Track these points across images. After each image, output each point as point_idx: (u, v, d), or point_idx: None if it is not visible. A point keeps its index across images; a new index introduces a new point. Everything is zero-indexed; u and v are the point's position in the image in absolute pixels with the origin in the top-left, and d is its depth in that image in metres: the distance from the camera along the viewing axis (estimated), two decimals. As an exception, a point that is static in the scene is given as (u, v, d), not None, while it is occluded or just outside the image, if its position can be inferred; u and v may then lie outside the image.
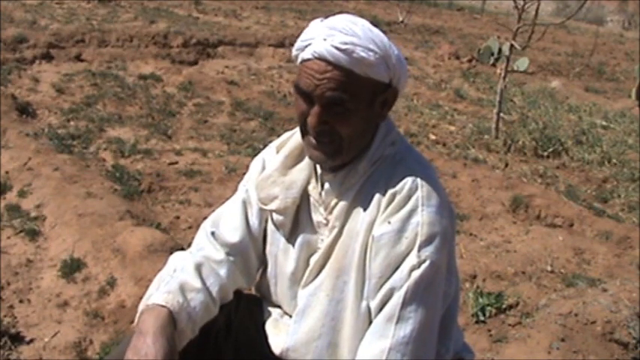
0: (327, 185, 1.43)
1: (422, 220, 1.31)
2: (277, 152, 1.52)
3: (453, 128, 6.25)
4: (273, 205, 1.47)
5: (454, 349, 1.49)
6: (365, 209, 1.38)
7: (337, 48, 1.28)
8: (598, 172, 5.29)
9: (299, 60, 1.35)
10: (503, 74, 5.99)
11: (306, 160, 1.46)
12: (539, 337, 2.58)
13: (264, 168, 1.53)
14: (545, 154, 5.56)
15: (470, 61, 9.70)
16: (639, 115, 7.55)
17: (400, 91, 1.39)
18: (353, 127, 1.33)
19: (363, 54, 1.28)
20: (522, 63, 9.35)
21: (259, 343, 1.54)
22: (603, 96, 8.93)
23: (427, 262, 1.30)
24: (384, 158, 1.40)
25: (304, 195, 1.46)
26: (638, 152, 5.89)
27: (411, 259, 1.30)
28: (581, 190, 4.86)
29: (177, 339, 1.35)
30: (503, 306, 2.93)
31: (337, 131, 1.33)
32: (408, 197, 1.33)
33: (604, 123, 6.98)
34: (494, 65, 9.63)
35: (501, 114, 5.88)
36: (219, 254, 1.52)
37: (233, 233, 1.52)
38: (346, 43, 1.28)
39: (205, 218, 1.61)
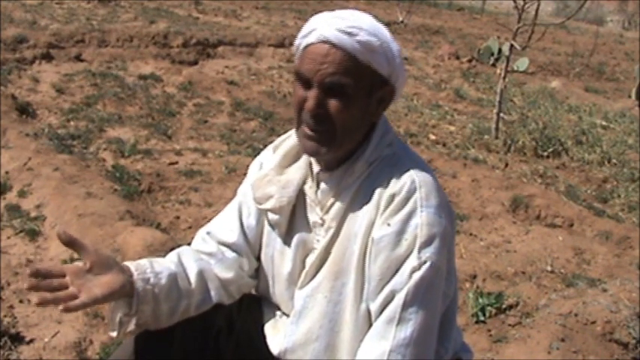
0: (323, 185, 1.43)
1: (421, 222, 1.31)
2: (274, 152, 1.52)
3: (453, 128, 6.25)
4: (268, 204, 1.46)
5: (453, 349, 1.49)
6: (362, 210, 1.37)
7: (342, 31, 1.30)
8: (598, 172, 5.29)
9: (302, 47, 1.35)
10: (503, 74, 5.99)
11: (303, 159, 1.46)
12: (539, 337, 2.58)
13: (261, 170, 1.54)
14: (545, 154, 5.56)
15: (470, 61, 9.70)
16: (639, 115, 7.55)
17: (397, 90, 1.39)
18: (349, 115, 1.32)
19: (367, 37, 1.30)
20: (522, 63, 9.35)
21: (260, 343, 1.54)
22: (603, 96, 8.93)
23: (427, 264, 1.30)
24: (382, 159, 1.40)
25: (300, 195, 1.46)
26: (638, 152, 5.89)
27: (412, 261, 1.30)
28: (581, 190, 4.86)
29: (136, 299, 1.38)
30: (504, 306, 2.93)
31: (332, 118, 1.32)
32: (407, 199, 1.32)
33: (604, 123, 6.98)
34: (494, 65, 9.63)
35: (501, 114, 5.88)
36: (212, 248, 1.53)
37: (228, 234, 1.53)
38: (352, 27, 1.30)
39: (205, 218, 1.62)
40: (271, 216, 1.48)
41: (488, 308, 2.88)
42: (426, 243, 1.30)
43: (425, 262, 1.30)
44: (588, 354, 2.52)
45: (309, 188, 1.45)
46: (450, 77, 8.66)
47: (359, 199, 1.39)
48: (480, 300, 2.90)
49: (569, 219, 4.09)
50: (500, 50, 9.70)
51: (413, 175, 1.35)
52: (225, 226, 1.55)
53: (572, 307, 2.81)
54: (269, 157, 1.53)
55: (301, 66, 1.34)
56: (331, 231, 1.40)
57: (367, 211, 1.37)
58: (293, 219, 1.48)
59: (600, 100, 8.52)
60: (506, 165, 5.24)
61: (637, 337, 2.67)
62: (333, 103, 1.31)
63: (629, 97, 8.70)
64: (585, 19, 19.15)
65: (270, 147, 1.56)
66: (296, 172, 1.46)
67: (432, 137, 5.84)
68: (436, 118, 6.56)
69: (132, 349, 1.49)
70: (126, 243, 2.97)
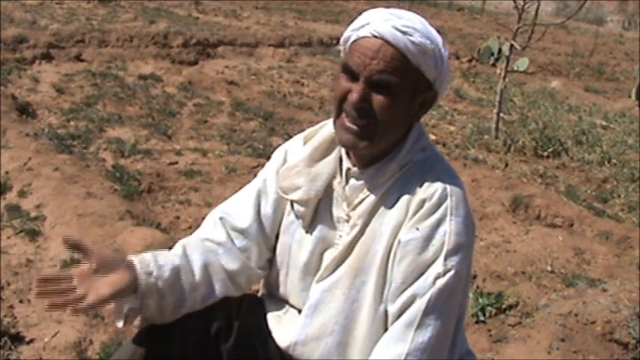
0: (352, 181, 1.43)
1: (450, 230, 1.32)
2: (304, 143, 1.51)
3: (452, 128, 6.25)
4: (295, 195, 1.46)
5: (459, 353, 1.50)
6: (390, 212, 1.38)
7: (397, 29, 1.29)
8: (598, 172, 5.29)
9: (352, 39, 1.35)
10: (503, 74, 5.99)
11: (333, 154, 1.46)
12: (539, 337, 2.58)
13: (285, 159, 1.53)
14: (545, 154, 5.56)
15: (470, 61, 9.70)
16: (639, 115, 7.55)
17: (439, 96, 1.40)
18: (391, 113, 1.32)
19: (421, 39, 1.30)
20: (522, 63, 9.35)
21: (261, 343, 1.53)
22: (603, 96, 8.93)
23: (452, 272, 1.31)
24: (414, 163, 1.40)
25: (327, 189, 1.46)
26: (638, 152, 5.89)
27: (437, 267, 1.31)
28: (581, 190, 4.86)
29: (140, 293, 1.39)
30: (503, 306, 2.93)
31: (375, 114, 1.32)
32: (438, 205, 1.34)
33: (604, 123, 6.98)
34: (494, 65, 9.62)
35: (501, 114, 5.88)
36: (222, 236, 1.52)
37: (243, 219, 1.52)
38: (407, 27, 1.30)
39: (205, 218, 1.61)
40: (297, 207, 1.48)
41: (488, 308, 2.88)
42: (453, 251, 1.31)
43: (449, 270, 1.31)
44: (588, 354, 2.52)
45: (337, 183, 1.46)
46: (450, 77, 8.64)
47: (388, 200, 1.39)
48: (480, 300, 2.90)
49: (569, 219, 4.09)
50: (500, 50, 9.70)
51: (445, 183, 1.36)
52: (239, 211, 1.53)
53: (572, 307, 2.81)
54: (297, 148, 1.52)
55: (350, 58, 1.34)
56: (356, 228, 1.41)
57: (395, 213, 1.37)
58: (317, 212, 1.48)
59: (600, 100, 8.52)
60: (506, 165, 5.24)
61: (637, 337, 2.67)
62: (377, 99, 1.32)
63: (629, 97, 8.70)
64: (585, 19, 19.15)
65: (299, 137, 1.55)
66: (326, 166, 1.46)
67: (432, 137, 5.83)
68: (436, 118, 6.55)
69: (132, 350, 1.49)
70: (126, 243, 2.97)
